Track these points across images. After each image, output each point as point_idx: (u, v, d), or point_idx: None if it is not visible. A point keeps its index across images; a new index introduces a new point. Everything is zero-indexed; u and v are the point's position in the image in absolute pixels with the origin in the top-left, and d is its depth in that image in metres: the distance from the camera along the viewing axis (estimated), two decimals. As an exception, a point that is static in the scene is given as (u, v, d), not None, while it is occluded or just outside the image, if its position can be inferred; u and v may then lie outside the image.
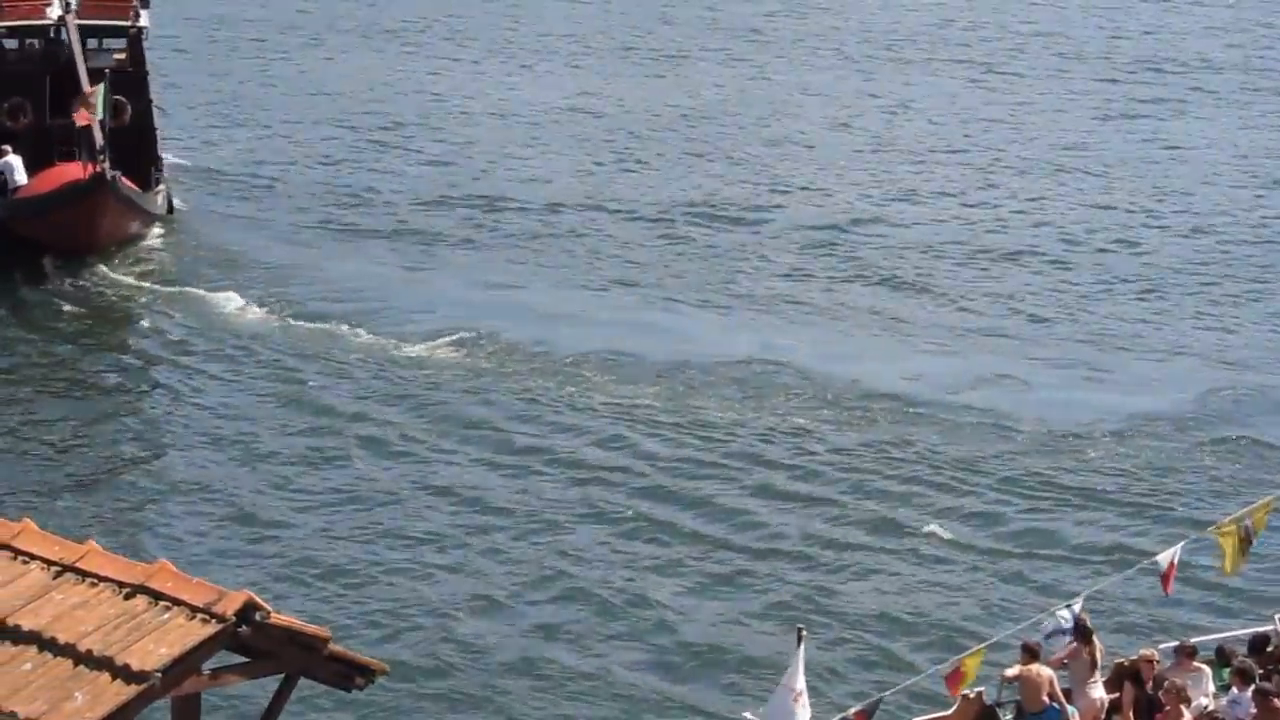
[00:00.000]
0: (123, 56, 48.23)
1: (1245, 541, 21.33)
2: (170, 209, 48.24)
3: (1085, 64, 72.59)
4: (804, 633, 18.94)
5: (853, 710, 19.66)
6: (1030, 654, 20.45)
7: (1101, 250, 47.47)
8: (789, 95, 66.25)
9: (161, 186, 47.67)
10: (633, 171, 55.21)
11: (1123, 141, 59.72)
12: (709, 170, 55.27)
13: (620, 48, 75.18)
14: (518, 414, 35.66)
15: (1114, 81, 69.26)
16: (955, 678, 19.98)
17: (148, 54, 48.98)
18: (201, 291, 42.99)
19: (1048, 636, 20.84)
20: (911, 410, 35.89)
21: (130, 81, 47.32)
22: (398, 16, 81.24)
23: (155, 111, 48.93)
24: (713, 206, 51.09)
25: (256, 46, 74.87)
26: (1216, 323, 42.01)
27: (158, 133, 48.60)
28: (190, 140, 57.20)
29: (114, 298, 43.14)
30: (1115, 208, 51.62)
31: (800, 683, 18.44)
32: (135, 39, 48.22)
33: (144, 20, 48.44)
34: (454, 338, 39.80)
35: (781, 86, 67.84)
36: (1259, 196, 53.11)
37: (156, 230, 47.32)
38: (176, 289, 43.37)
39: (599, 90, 66.61)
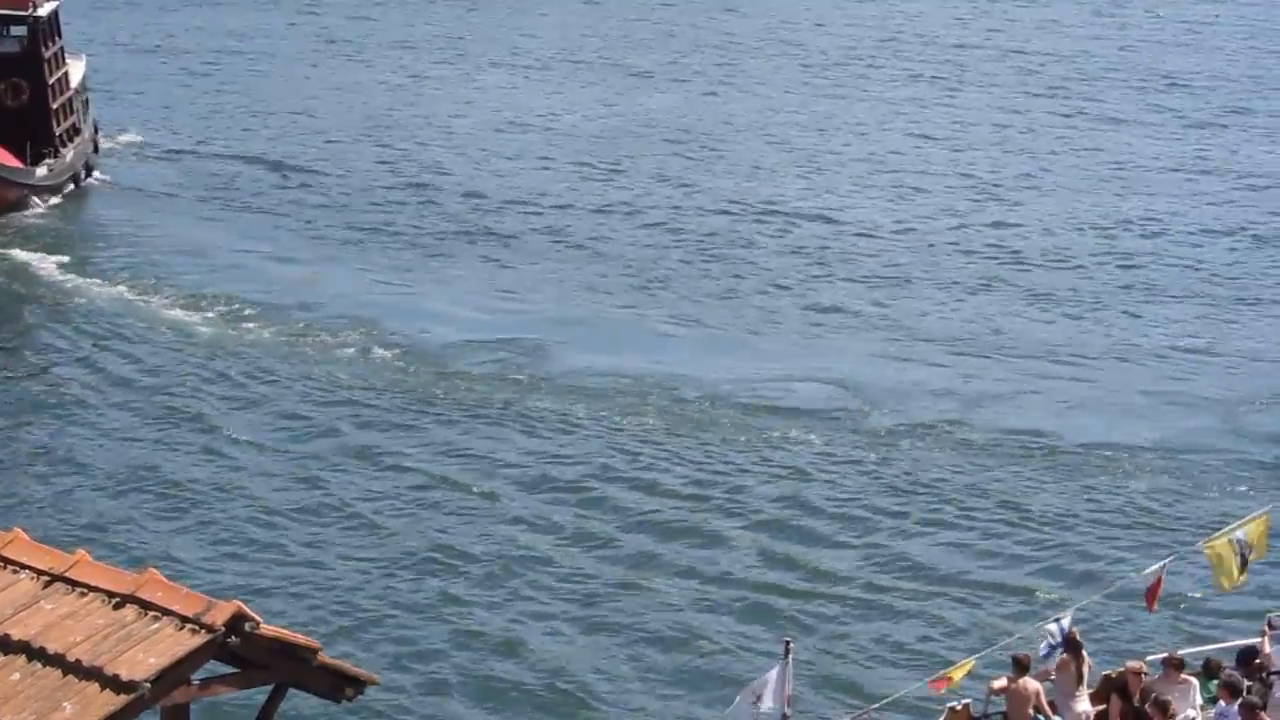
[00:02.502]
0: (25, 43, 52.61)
1: (1241, 556, 21.25)
2: (77, 183, 52.69)
3: (1081, 79, 72.78)
4: (791, 645, 18.90)
5: (842, 721, 19.66)
6: (1020, 667, 20.39)
7: (1089, 268, 47.56)
8: (778, 110, 66.36)
9: (55, 161, 51.65)
10: (609, 181, 55.35)
11: (1111, 156, 59.86)
12: (697, 182, 55.36)
13: (590, 62, 75.36)
14: (496, 425, 35.74)
15: (1109, 94, 69.46)
16: (941, 681, 19.93)
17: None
18: (66, 260, 46.14)
19: (1045, 657, 20.77)
20: (899, 426, 35.92)
21: (28, 65, 51.65)
22: (374, 26, 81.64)
23: (80, 94, 54.59)
24: (698, 221, 51.23)
25: (234, 45, 76.43)
26: (1204, 339, 42.04)
27: (60, 112, 52.75)
28: (151, 124, 61.23)
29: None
30: (1101, 223, 51.76)
31: (784, 695, 18.33)
32: (34, 26, 51.91)
33: (43, 10, 52.25)
34: (411, 344, 40.26)
35: (769, 101, 67.95)
36: (1236, 212, 53.26)
37: (51, 201, 51.11)
38: (56, 259, 46.20)
39: (561, 102, 66.89)
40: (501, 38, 80.00)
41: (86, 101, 56.50)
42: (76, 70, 55.26)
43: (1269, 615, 22.30)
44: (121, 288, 44.28)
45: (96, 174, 54.50)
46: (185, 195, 53.46)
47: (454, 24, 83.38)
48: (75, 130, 53.84)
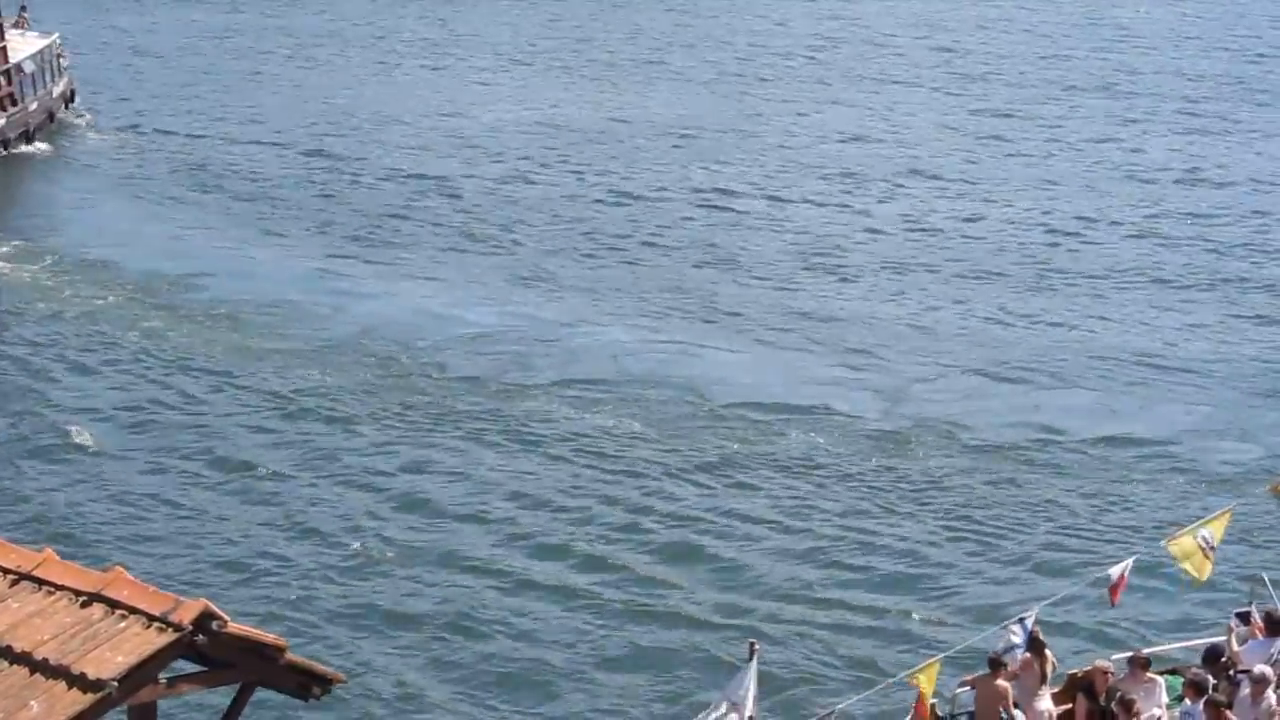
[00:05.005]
0: None
1: (1205, 552, 21.35)
2: (6, 146, 56.50)
3: (1070, 84, 73.08)
4: (757, 647, 18.84)
5: (808, 722, 19.60)
6: (995, 666, 20.41)
7: (1051, 263, 47.77)
8: (777, 110, 66.49)
9: None
10: (599, 181, 55.36)
11: (1080, 157, 60.11)
12: (689, 182, 55.48)
13: (577, 61, 75.35)
14: (476, 427, 35.67)
15: (1109, 96, 69.82)
16: (920, 704, 19.83)
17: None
18: None
19: (1005, 652, 20.81)
20: (865, 425, 36.02)
21: None
22: (368, 26, 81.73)
23: (28, 68, 58.64)
24: (690, 220, 51.35)
25: (229, 41, 77.53)
26: (1170, 337, 42.23)
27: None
28: (131, 108, 63.96)
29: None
30: (1066, 220, 52.01)
31: (749, 698, 18.28)
32: None
33: None
34: (379, 339, 40.34)
35: (765, 101, 68.09)
36: (1195, 205, 53.54)
37: None
38: None
39: (541, 100, 66.90)
40: (482, 35, 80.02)
41: (41, 76, 59.93)
42: (25, 47, 59.18)
43: (1234, 610, 22.42)
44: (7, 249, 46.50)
45: (38, 143, 58.24)
46: (127, 173, 55.23)
47: (437, 21, 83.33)
48: (12, 100, 57.57)
